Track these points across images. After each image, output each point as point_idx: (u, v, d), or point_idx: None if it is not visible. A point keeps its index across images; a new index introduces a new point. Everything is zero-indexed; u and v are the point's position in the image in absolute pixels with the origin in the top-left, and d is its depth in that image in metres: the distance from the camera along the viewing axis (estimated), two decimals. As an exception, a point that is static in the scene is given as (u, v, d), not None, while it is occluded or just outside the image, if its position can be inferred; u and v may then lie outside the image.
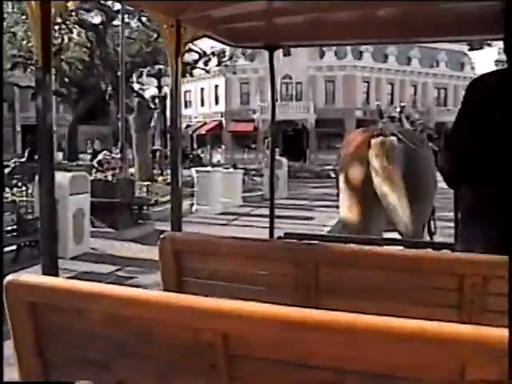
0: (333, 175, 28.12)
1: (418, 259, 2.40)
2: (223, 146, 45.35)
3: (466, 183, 2.35)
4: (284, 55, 44.04)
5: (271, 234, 3.84)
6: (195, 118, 50.05)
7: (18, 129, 42.49)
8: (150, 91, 23.36)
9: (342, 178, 4.99)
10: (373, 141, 4.73)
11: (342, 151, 5.24)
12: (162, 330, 1.51)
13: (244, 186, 18.86)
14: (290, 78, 45.47)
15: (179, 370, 1.53)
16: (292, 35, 3.48)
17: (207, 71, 21.01)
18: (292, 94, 45.85)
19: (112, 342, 1.57)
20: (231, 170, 17.24)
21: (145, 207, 13.45)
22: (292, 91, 45.88)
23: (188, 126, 50.43)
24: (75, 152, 28.25)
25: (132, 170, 18.11)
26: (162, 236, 2.55)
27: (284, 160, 18.82)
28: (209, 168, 16.93)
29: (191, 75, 20.25)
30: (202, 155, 43.84)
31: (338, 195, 5.22)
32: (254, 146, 44.68)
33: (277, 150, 41.11)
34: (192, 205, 14.66)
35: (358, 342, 1.29)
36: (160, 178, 17.52)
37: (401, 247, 3.81)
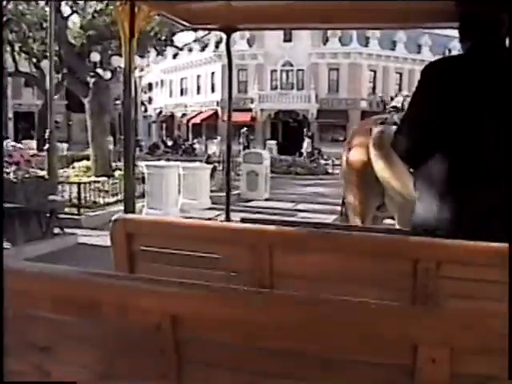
0: (330, 171, 25.76)
1: (372, 243, 2.38)
2: (219, 137, 42.62)
3: (421, 162, 2.36)
4: (285, 41, 41.45)
5: (228, 218, 3.82)
6: (191, 106, 47.43)
7: (10, 115, 41.96)
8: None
9: (344, 165, 5.31)
10: (374, 129, 4.84)
11: (347, 142, 5.52)
12: (109, 312, 1.43)
13: (220, 184, 16.22)
14: (291, 65, 42.59)
15: (127, 354, 1.46)
16: (250, 18, 3.39)
17: (180, 48, 18.20)
18: (293, 83, 42.95)
19: (56, 324, 1.51)
20: (196, 164, 14.39)
21: (76, 212, 10.78)
22: (293, 79, 42.96)
23: (183, 115, 48.02)
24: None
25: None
26: (113, 218, 2.51)
27: (265, 153, 15.85)
28: (162, 162, 14.09)
29: (160, 53, 17.47)
30: (196, 146, 41.30)
31: (344, 194, 5.59)
32: (252, 137, 41.96)
33: (272, 142, 38.86)
34: (143, 208, 11.95)
35: (310, 324, 1.27)
36: (117, 173, 14.71)
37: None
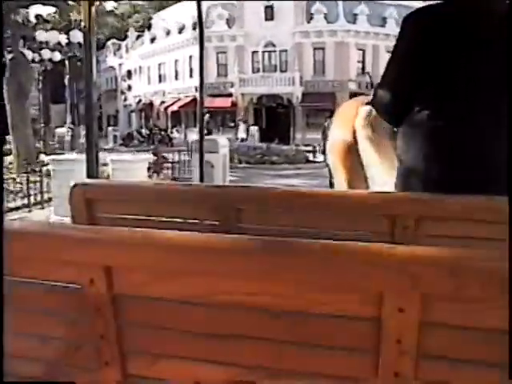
0: (311, 158, 23.10)
1: (345, 200, 2.26)
2: (199, 125, 39.91)
3: (401, 117, 2.24)
4: (266, 19, 38.61)
5: (201, 179, 3.74)
6: (169, 93, 44.62)
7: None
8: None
9: (329, 147, 4.52)
10: (360, 109, 4.10)
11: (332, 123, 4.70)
12: (42, 269, 1.26)
13: (172, 179, 13.51)
14: (274, 46, 39.61)
15: (58, 317, 1.29)
16: None
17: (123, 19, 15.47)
18: (275, 65, 39.96)
19: None
20: (127, 156, 11.63)
21: None
22: (275, 61, 39.96)
23: (162, 103, 45.36)
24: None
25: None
26: (72, 185, 2.38)
27: (222, 140, 13.02)
28: (68, 155, 11.36)
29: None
30: (173, 135, 38.53)
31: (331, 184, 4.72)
32: (232, 124, 39.28)
33: (255, 128, 36.22)
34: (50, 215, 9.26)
35: (262, 272, 1.11)
36: (44, 168, 11.97)
37: None
